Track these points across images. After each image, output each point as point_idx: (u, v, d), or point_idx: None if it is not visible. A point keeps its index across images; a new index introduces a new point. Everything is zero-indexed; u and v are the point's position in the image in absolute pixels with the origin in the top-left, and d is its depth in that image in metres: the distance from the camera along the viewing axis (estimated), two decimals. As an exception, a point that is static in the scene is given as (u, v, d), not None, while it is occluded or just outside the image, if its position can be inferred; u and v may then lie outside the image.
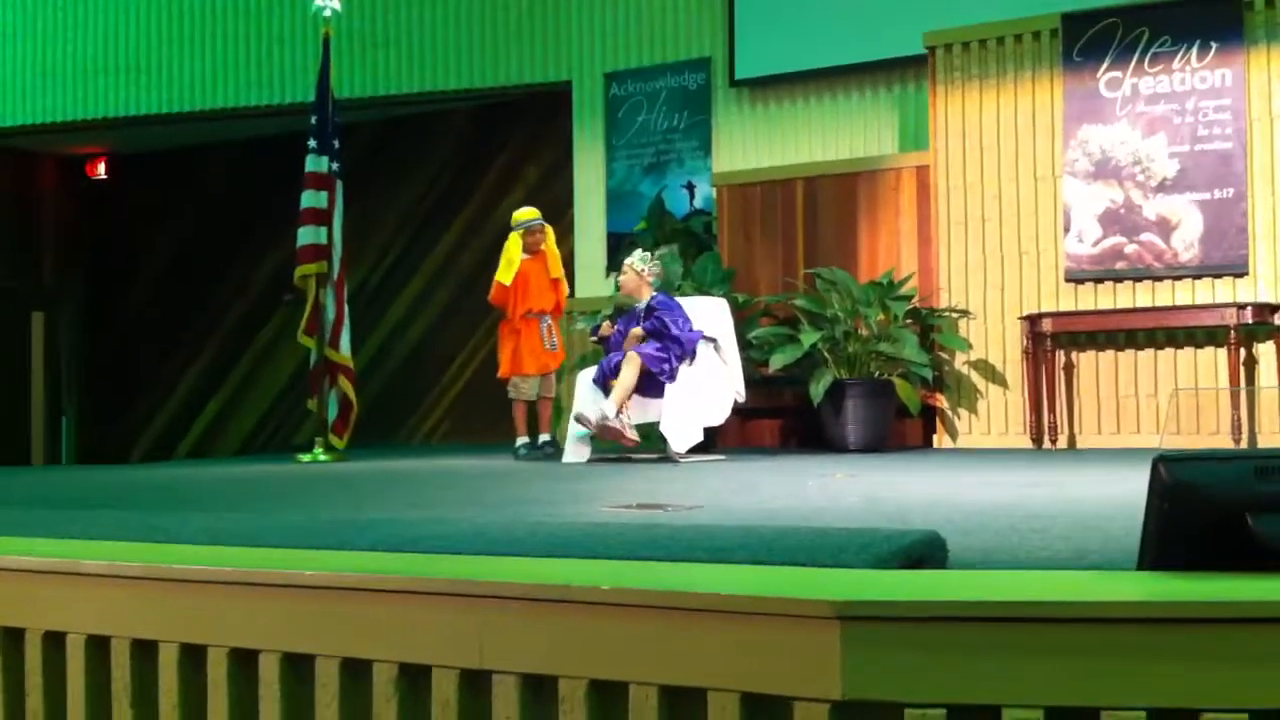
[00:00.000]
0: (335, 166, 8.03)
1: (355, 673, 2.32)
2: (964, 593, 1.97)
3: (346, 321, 7.96)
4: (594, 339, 7.41)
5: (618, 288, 7.48)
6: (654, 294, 7.11)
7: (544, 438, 7.67)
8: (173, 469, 7.93)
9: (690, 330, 6.91)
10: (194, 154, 12.10)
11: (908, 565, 2.26)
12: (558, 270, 7.73)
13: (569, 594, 2.11)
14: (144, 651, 2.58)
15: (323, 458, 7.68)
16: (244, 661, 2.45)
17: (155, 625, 2.58)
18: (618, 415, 6.60)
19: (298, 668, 2.39)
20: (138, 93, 10.88)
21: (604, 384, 6.88)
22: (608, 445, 7.02)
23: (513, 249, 7.62)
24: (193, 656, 2.52)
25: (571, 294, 8.30)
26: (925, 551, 2.35)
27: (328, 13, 8.09)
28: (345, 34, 9.91)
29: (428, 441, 10.98)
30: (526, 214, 7.77)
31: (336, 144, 8.08)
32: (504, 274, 7.60)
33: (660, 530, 2.67)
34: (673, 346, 6.80)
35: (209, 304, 12.17)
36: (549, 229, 7.79)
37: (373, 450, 8.56)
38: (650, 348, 6.81)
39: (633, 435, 6.66)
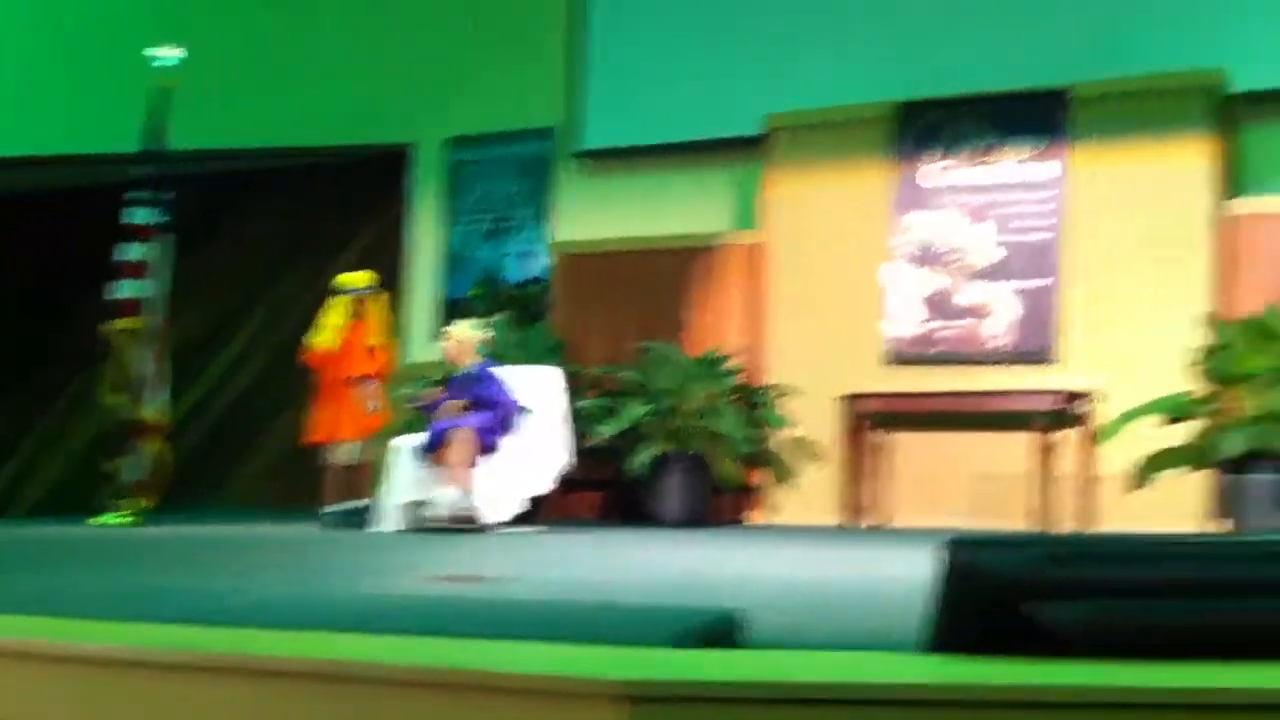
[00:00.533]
0: (163, 218, 7.77)
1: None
2: (756, 673, 1.95)
3: (163, 380, 7.66)
4: (415, 405, 7.28)
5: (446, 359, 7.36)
6: (477, 363, 7.04)
7: (356, 504, 7.44)
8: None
9: (514, 402, 6.87)
10: (10, 202, 11.61)
11: (706, 644, 2.24)
12: (376, 338, 7.56)
13: (350, 670, 2.02)
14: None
15: (119, 521, 7.33)
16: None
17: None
18: (466, 496, 6.51)
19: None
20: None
21: (430, 452, 6.74)
22: (420, 517, 6.86)
23: (334, 313, 7.46)
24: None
25: (401, 358, 8.15)
26: (723, 630, 2.33)
27: (169, 62, 7.86)
28: (183, 84, 9.65)
29: (242, 504, 10.63)
30: (354, 280, 7.59)
31: (164, 196, 7.82)
32: (318, 338, 7.43)
33: (451, 605, 2.60)
34: (495, 415, 6.73)
35: (13, 358, 11.62)
36: (378, 297, 7.64)
37: (180, 513, 8.23)
38: (475, 419, 6.73)
39: (483, 516, 6.56)
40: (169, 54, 7.85)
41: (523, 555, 4.99)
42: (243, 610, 2.59)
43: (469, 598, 2.92)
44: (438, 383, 7.27)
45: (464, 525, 6.50)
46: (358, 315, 7.45)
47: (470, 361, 7.02)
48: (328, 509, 7.34)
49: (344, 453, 7.42)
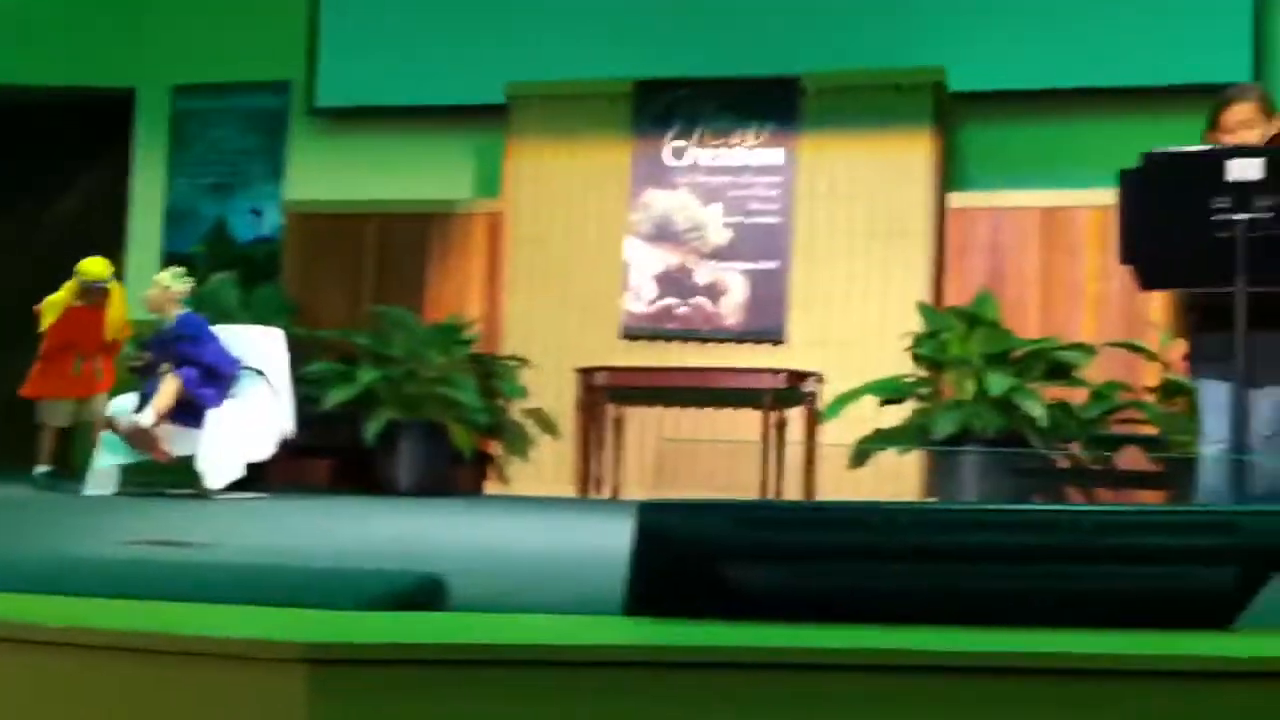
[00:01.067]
0: None
1: None
2: (442, 636, 1.91)
3: None
4: (132, 367, 6.93)
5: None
6: (180, 314, 6.73)
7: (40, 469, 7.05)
8: None
9: (225, 358, 6.61)
10: None
11: (401, 609, 2.19)
12: (114, 332, 7.18)
13: (22, 633, 1.89)
14: None
15: None
16: None
17: None
18: (155, 426, 6.22)
19: None
20: None
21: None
22: (138, 481, 6.56)
23: (64, 294, 7.08)
24: None
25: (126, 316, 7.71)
26: (422, 595, 2.29)
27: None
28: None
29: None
30: (90, 269, 7.13)
31: None
32: (50, 309, 7.06)
33: (139, 567, 2.47)
34: (203, 372, 6.47)
35: None
36: (117, 291, 7.23)
37: None
38: (190, 372, 6.45)
39: (167, 447, 6.30)
40: None
41: (238, 522, 4.82)
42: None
43: (160, 561, 2.79)
44: (146, 345, 6.92)
45: (184, 489, 6.25)
46: (89, 302, 7.05)
47: (174, 312, 6.71)
48: (41, 469, 6.93)
49: (58, 412, 7.02)
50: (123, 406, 6.53)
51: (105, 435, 6.51)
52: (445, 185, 8.84)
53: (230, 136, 9.28)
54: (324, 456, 8.15)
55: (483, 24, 8.71)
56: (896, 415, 7.17)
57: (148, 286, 7.94)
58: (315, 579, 2.21)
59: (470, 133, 8.92)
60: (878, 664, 1.89)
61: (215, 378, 6.51)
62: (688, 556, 1.99)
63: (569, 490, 7.81)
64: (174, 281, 6.79)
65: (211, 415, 6.42)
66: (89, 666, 1.89)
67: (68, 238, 9.61)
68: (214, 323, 6.94)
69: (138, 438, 6.27)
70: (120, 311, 7.23)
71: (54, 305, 7.09)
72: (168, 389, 6.34)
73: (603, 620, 2.12)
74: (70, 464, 7.22)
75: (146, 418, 6.25)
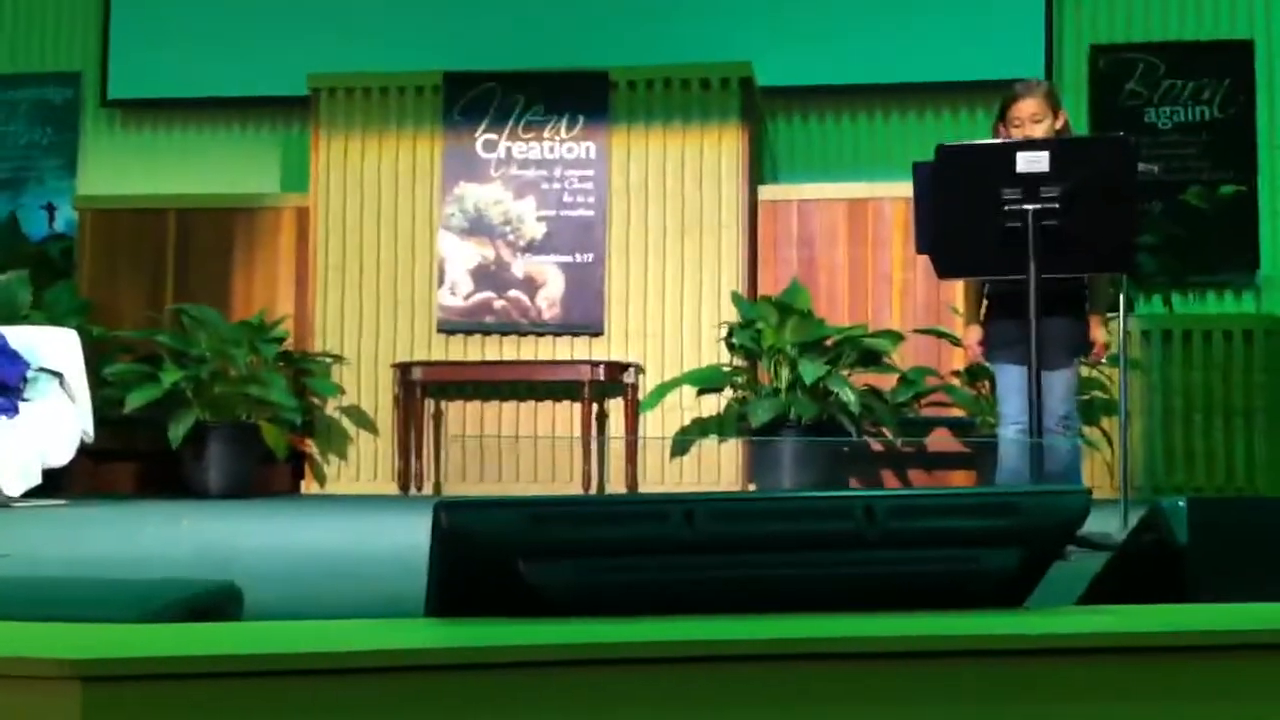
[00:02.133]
0: None
1: None
2: (229, 646, 1.84)
3: None
4: None
5: None
6: None
7: None
8: None
9: (11, 361, 6.32)
10: None
11: (194, 619, 2.10)
12: None
13: None
14: None
15: None
16: None
17: None
18: None
19: None
20: None
21: None
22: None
23: None
24: None
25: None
26: (215, 603, 2.20)
27: None
28: None
29: None
30: None
31: None
32: None
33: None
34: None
35: None
36: None
37: None
38: None
39: None
40: None
41: (32, 530, 4.60)
42: None
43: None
44: None
45: None
46: None
47: None
48: None
49: None
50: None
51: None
52: (250, 180, 8.59)
53: (19, 130, 8.86)
54: (128, 460, 7.85)
55: (286, 14, 8.51)
56: (715, 405, 7.26)
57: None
58: (94, 590, 2.11)
59: (274, 125, 8.71)
60: (676, 656, 1.89)
61: (4, 384, 6.21)
62: (486, 555, 1.96)
63: (390, 488, 7.68)
64: None
65: (3, 421, 6.12)
66: None
67: None
68: (4, 323, 6.62)
69: None
70: None
71: None
72: None
73: (402, 623, 2.07)
74: None
75: None
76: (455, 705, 1.83)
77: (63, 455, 6.43)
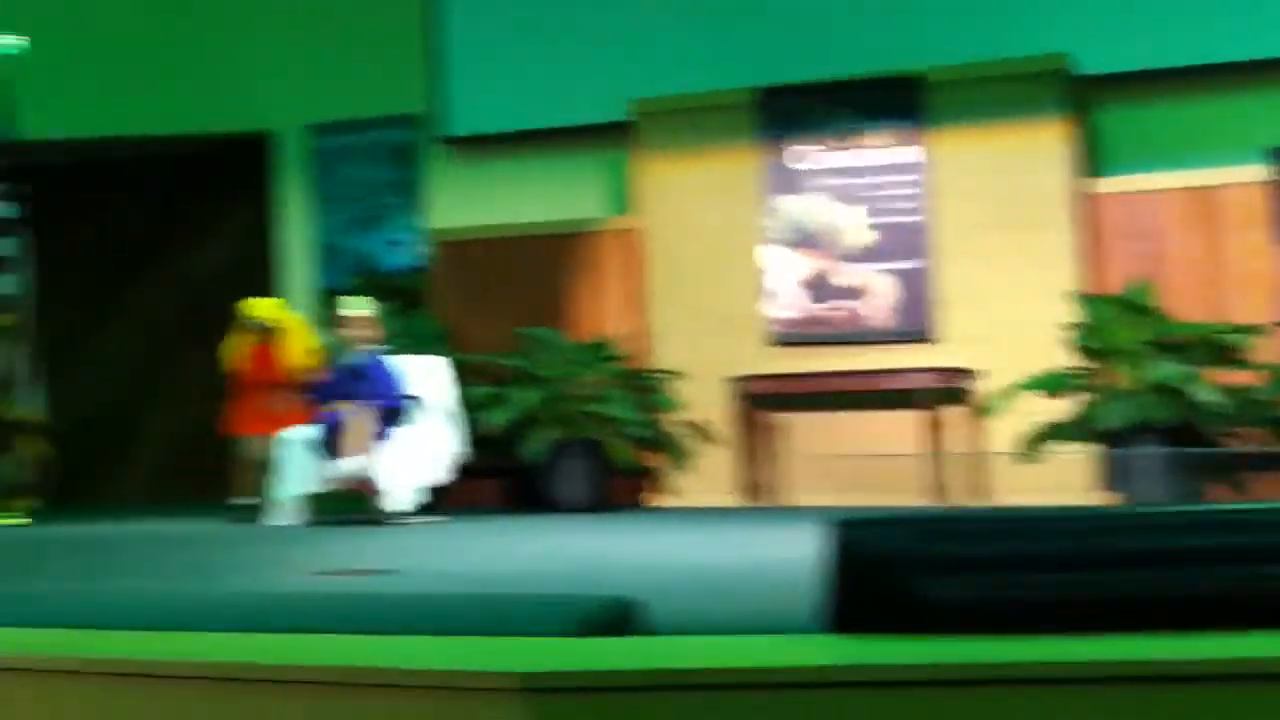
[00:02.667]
0: (19, 213, 7.54)
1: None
2: (654, 661, 1.96)
3: (35, 377, 7.45)
4: (308, 398, 7.08)
5: (340, 342, 7.16)
6: (368, 349, 6.98)
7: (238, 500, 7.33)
8: None
9: (396, 390, 6.83)
10: None
11: (600, 632, 2.24)
12: (295, 361, 7.44)
13: (240, 671, 1.99)
14: None
15: (7, 522, 7.13)
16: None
17: None
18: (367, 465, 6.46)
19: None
20: None
21: (327, 443, 6.64)
22: (322, 506, 6.77)
23: (240, 337, 7.42)
24: None
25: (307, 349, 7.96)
26: (619, 618, 2.34)
27: (9, 50, 7.62)
28: (30, 73, 9.36)
29: (128, 501, 10.37)
30: (251, 310, 7.49)
31: (22, 188, 7.58)
32: (229, 359, 7.41)
33: (338, 601, 2.57)
34: (383, 407, 6.68)
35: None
36: (294, 321, 7.54)
37: (66, 513, 8.02)
38: (368, 405, 6.65)
39: (382, 489, 6.53)
40: (9, 42, 7.61)
41: (417, 547, 4.95)
42: (126, 611, 2.53)
43: (361, 593, 2.89)
44: (334, 377, 7.08)
45: (364, 517, 6.45)
46: (260, 339, 7.36)
47: (368, 341, 6.95)
48: (233, 502, 7.24)
49: (254, 447, 7.32)
50: (300, 437, 6.73)
51: (288, 467, 6.73)
52: (577, 204, 8.92)
53: (368, 171, 9.53)
54: (488, 478, 8.30)
55: (601, 41, 8.80)
56: (1059, 410, 7.03)
57: (310, 323, 8.18)
58: (517, 607, 2.28)
59: (597, 150, 8.99)
60: (1087, 676, 1.87)
61: (394, 410, 6.71)
62: (883, 571, 2.01)
63: (730, 499, 7.82)
64: (369, 311, 7.02)
65: (388, 446, 6.61)
66: (305, 699, 1.97)
67: (220, 281, 9.96)
68: (379, 354, 7.14)
69: (360, 483, 6.49)
70: (298, 345, 7.50)
71: (234, 346, 7.41)
72: (362, 430, 6.51)
73: (801, 639, 2.14)
74: (262, 496, 7.50)
75: (357, 462, 6.45)
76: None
77: (440, 474, 6.88)
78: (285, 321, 7.49)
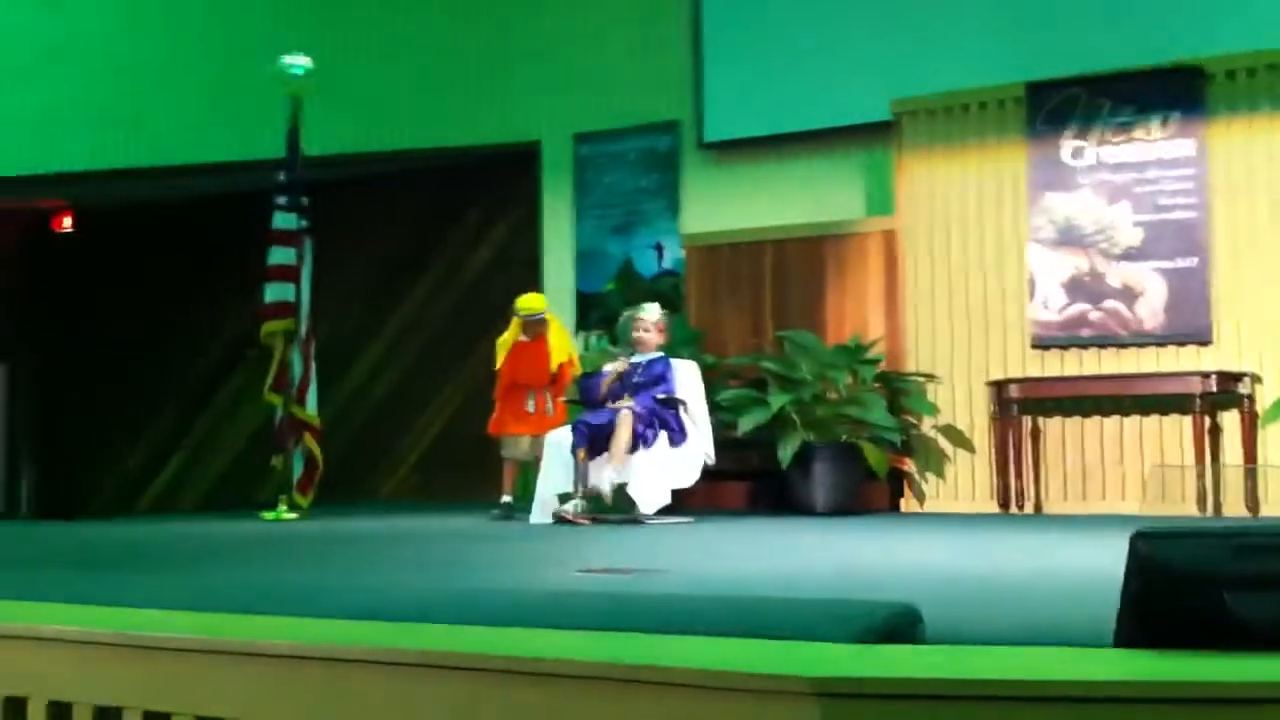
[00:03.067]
0: (304, 223, 8.01)
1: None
2: (943, 670, 1.95)
3: (313, 379, 7.90)
4: (598, 386, 7.19)
5: (629, 344, 7.24)
6: (658, 354, 7.13)
7: (504, 499, 7.55)
8: (131, 526, 7.81)
9: (675, 391, 6.98)
10: (159, 209, 12.04)
11: (884, 639, 2.24)
12: (558, 359, 7.61)
13: (536, 667, 2.07)
14: (108, 718, 2.52)
15: (287, 516, 7.59)
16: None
17: (116, 690, 2.52)
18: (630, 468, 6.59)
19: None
20: (104, 145, 10.82)
21: (586, 446, 6.78)
22: (590, 506, 6.92)
23: (509, 335, 7.64)
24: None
25: (568, 348, 8.16)
26: (902, 625, 2.33)
27: (298, 70, 8.09)
28: (320, 90, 9.92)
29: (394, 499, 10.89)
30: (528, 304, 7.66)
31: (305, 201, 8.05)
32: (499, 353, 7.63)
33: (627, 600, 2.64)
34: (662, 413, 6.80)
35: (171, 360, 12.06)
36: (554, 321, 7.76)
37: (337, 508, 8.47)
38: (640, 407, 6.78)
39: (639, 500, 6.66)
40: (297, 62, 8.06)
41: (674, 547, 5.03)
42: (429, 603, 2.66)
43: (636, 592, 2.96)
44: (626, 381, 7.20)
45: (619, 517, 6.58)
46: (531, 336, 7.58)
47: (657, 344, 7.11)
48: (502, 500, 7.48)
49: (515, 447, 7.55)
50: (565, 437, 6.91)
51: (551, 466, 6.92)
52: (837, 206, 8.90)
53: (628, 177, 9.72)
54: (738, 480, 8.36)
55: (859, 40, 8.75)
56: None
57: (565, 327, 8.35)
58: (803, 610, 2.30)
59: (856, 151, 8.95)
60: None
61: (672, 420, 6.84)
62: (1188, 585, 1.94)
63: (986, 506, 7.67)
64: (660, 315, 7.18)
65: (654, 445, 6.73)
66: (590, 696, 2.03)
67: (488, 285, 10.36)
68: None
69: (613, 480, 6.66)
70: (560, 342, 7.71)
71: (503, 345, 7.66)
72: (628, 429, 6.65)
73: (1101, 653, 2.09)
74: (524, 495, 7.75)
75: (624, 466, 6.61)
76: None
77: (690, 477, 6.97)
78: (550, 317, 7.71)
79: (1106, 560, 2.80)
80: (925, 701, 1.85)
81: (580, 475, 6.75)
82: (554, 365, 7.57)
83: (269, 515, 7.63)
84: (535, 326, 7.56)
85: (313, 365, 7.90)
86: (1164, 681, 1.83)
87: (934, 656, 2.09)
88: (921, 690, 1.85)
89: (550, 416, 7.56)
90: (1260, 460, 7.04)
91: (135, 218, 12.22)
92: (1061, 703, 1.84)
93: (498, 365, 7.65)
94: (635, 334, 7.16)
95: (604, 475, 6.67)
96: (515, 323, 7.64)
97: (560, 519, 6.56)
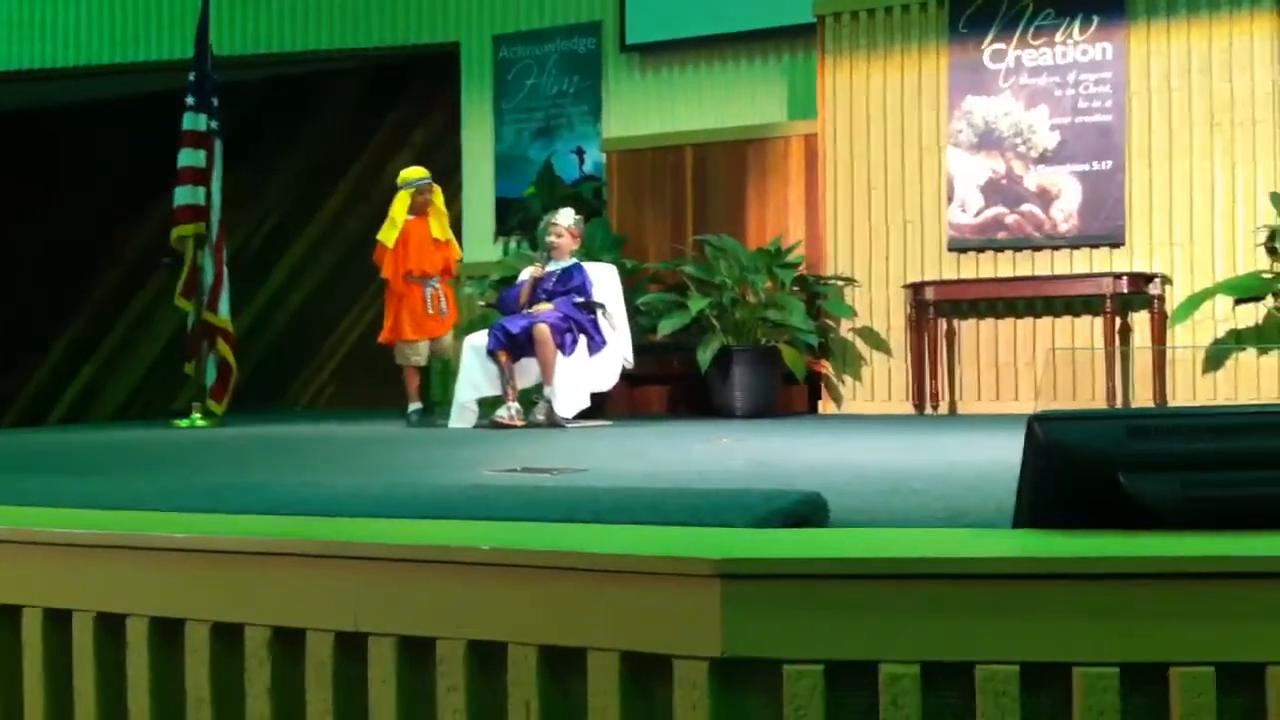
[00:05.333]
0: (214, 125, 7.82)
1: (227, 637, 2.26)
2: (842, 550, 1.98)
3: (226, 284, 7.76)
4: (516, 297, 7.13)
5: (546, 248, 7.13)
6: (574, 261, 7.09)
7: (413, 406, 7.45)
8: (45, 434, 7.69)
9: (593, 296, 6.96)
10: (69, 111, 11.71)
11: (789, 525, 2.27)
12: (444, 232, 7.47)
13: (447, 554, 2.07)
14: (7, 616, 2.49)
15: (200, 423, 7.50)
16: (112, 627, 2.38)
17: (19, 590, 2.49)
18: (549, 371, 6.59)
19: (167, 633, 2.32)
20: (13, 47, 10.48)
21: (504, 350, 6.76)
22: (489, 413, 6.91)
23: (398, 209, 7.38)
24: (58, 621, 2.44)
25: (460, 258, 8.10)
26: (806, 511, 2.36)
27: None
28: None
29: (311, 407, 10.81)
30: (415, 173, 7.50)
31: (215, 102, 7.85)
32: (386, 234, 7.33)
33: (540, 493, 2.65)
34: (579, 318, 6.78)
35: (83, 266, 11.81)
36: (437, 189, 7.56)
37: (253, 416, 8.39)
38: (554, 316, 6.75)
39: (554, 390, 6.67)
40: None
41: (594, 449, 5.05)
42: (339, 500, 2.65)
43: (552, 486, 2.97)
44: (546, 288, 7.13)
45: (546, 421, 6.58)
46: (418, 210, 7.39)
47: (568, 258, 7.06)
48: (411, 408, 7.38)
49: (414, 352, 7.40)
50: (479, 341, 6.88)
51: (467, 370, 6.88)
52: (759, 110, 8.87)
53: (550, 80, 9.59)
54: (658, 384, 8.40)
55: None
56: (1253, 315, 6.78)
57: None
58: (708, 499, 2.32)
59: (780, 55, 8.91)
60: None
61: (589, 324, 6.82)
62: (1084, 468, 1.98)
63: (904, 408, 7.77)
64: (574, 221, 7.10)
65: (573, 350, 6.72)
66: (517, 582, 2.04)
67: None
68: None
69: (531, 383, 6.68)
70: (443, 209, 7.53)
71: (392, 225, 7.30)
72: (548, 335, 6.61)
73: (995, 533, 2.13)
74: (429, 401, 7.70)
75: (544, 369, 6.61)
76: (1046, 614, 1.87)
77: (608, 381, 6.98)
78: (432, 191, 7.47)
79: (1010, 453, 2.85)
80: (824, 581, 1.88)
81: (507, 378, 6.74)
82: (440, 234, 7.38)
83: (183, 423, 7.54)
84: (425, 194, 7.37)
85: (225, 270, 7.75)
86: (1056, 558, 1.87)
87: (834, 539, 2.12)
88: (820, 570, 1.87)
89: (446, 318, 7.43)
90: (1169, 360, 7.19)
91: (43, 121, 11.88)
92: (957, 580, 1.87)
93: (391, 240, 7.27)
94: (549, 239, 7.11)
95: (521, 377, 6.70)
96: (402, 197, 7.35)
97: (496, 424, 6.54)
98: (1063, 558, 1.87)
